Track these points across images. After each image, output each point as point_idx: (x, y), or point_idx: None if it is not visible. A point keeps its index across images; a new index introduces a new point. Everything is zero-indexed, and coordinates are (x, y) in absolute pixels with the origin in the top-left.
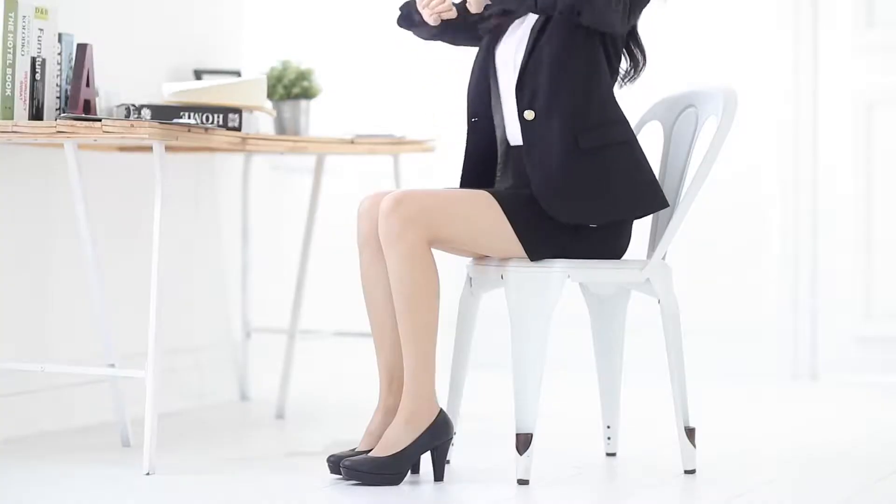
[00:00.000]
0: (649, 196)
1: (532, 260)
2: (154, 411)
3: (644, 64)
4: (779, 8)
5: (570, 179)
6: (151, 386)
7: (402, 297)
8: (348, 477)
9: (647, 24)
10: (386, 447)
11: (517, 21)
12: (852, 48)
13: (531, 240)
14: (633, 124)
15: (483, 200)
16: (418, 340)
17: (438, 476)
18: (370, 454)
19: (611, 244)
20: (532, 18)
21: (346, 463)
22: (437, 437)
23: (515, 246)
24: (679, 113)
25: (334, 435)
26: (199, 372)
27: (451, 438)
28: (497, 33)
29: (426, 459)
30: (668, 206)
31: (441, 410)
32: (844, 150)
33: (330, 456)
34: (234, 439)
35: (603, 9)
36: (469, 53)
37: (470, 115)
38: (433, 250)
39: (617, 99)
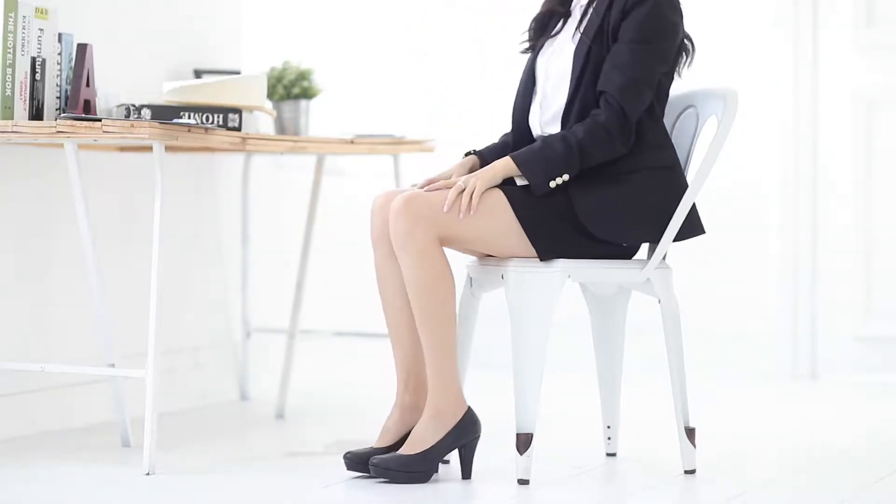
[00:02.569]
0: (687, 225)
1: (542, 260)
2: (154, 411)
3: (694, 50)
4: (778, 8)
5: (611, 200)
6: (151, 386)
7: (417, 296)
8: (377, 475)
9: None
10: (414, 445)
11: (559, 43)
12: (852, 48)
13: (541, 239)
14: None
15: (494, 199)
16: (437, 338)
17: (466, 474)
18: (398, 452)
19: (622, 248)
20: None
21: (375, 461)
22: (465, 434)
23: (525, 245)
24: (679, 113)
25: (334, 435)
26: (199, 372)
27: (479, 436)
28: (537, 52)
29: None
30: (703, 232)
31: (469, 408)
32: (844, 149)
33: (347, 453)
34: (234, 439)
35: (615, 133)
36: (470, 59)
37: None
38: (446, 249)
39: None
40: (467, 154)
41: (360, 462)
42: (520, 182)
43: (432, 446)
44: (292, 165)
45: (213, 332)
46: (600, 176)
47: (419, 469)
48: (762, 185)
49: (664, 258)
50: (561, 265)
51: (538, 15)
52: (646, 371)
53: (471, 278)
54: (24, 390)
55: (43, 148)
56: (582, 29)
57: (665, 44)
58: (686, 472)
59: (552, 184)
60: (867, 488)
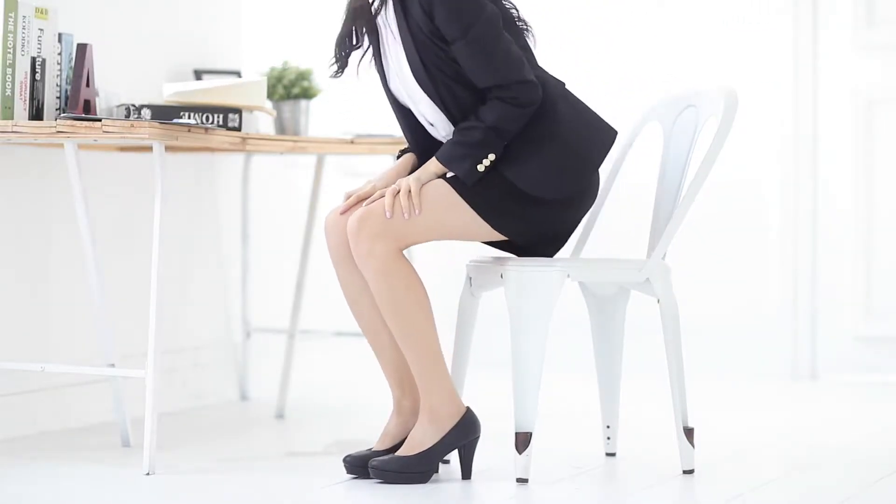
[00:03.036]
0: (598, 135)
1: (502, 234)
2: (154, 411)
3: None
4: (779, 8)
5: (546, 159)
6: (151, 386)
7: (391, 314)
8: (375, 476)
9: (648, 25)
10: (412, 446)
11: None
12: (852, 48)
13: (495, 216)
14: (632, 124)
15: (440, 192)
16: (420, 348)
17: (466, 474)
18: (397, 453)
19: (576, 204)
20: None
21: (374, 463)
22: (464, 435)
23: (484, 228)
24: (679, 113)
25: (334, 435)
26: (199, 372)
27: (479, 436)
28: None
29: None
30: (615, 132)
31: (468, 409)
32: (844, 149)
33: (346, 456)
34: (234, 439)
35: (523, 102)
36: None
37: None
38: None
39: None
40: (400, 154)
41: (359, 465)
42: (440, 170)
43: (431, 447)
44: (291, 165)
45: (213, 332)
46: (523, 143)
47: (418, 470)
48: (762, 185)
49: (663, 257)
50: (561, 265)
51: (339, 38)
52: (645, 371)
53: (470, 278)
54: (24, 390)
55: (43, 148)
56: (401, 41)
57: (483, 15)
58: (685, 472)
59: (480, 167)
60: (867, 488)
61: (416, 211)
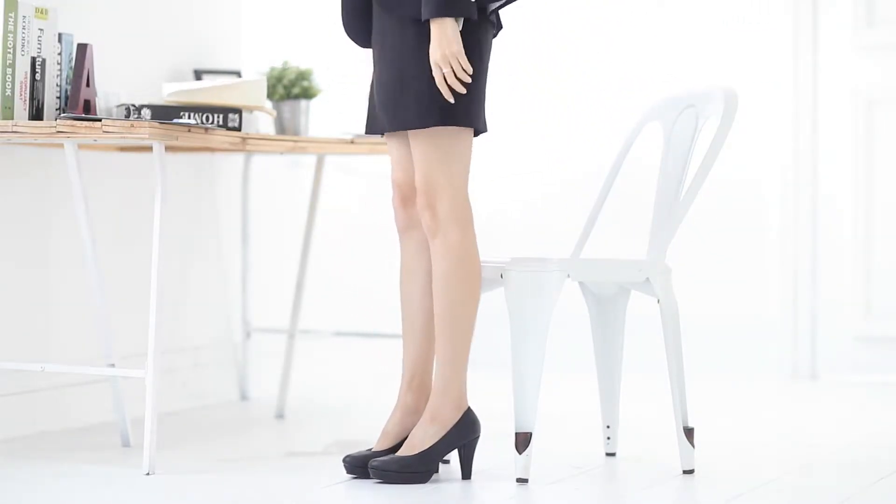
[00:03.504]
0: None
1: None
2: (154, 411)
3: None
4: (779, 8)
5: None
6: (151, 386)
7: (446, 289)
8: (375, 477)
9: (647, 25)
10: (412, 446)
11: None
12: (852, 48)
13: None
14: (632, 124)
15: (446, 143)
16: (459, 327)
17: (466, 474)
18: (397, 454)
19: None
20: None
21: (374, 463)
22: (464, 435)
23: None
24: (679, 113)
25: (334, 435)
26: (199, 372)
27: (479, 436)
28: None
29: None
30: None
31: (468, 409)
32: (844, 149)
33: (346, 457)
34: (234, 439)
35: None
36: None
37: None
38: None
39: None
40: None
41: (359, 465)
42: (459, 24)
43: (430, 447)
44: (291, 164)
45: (213, 332)
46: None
47: (418, 470)
48: (762, 185)
49: (664, 257)
50: (561, 265)
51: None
52: (645, 371)
53: None
54: (24, 390)
55: (43, 148)
56: None
57: None
58: (685, 471)
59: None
60: (867, 488)
61: (469, 70)
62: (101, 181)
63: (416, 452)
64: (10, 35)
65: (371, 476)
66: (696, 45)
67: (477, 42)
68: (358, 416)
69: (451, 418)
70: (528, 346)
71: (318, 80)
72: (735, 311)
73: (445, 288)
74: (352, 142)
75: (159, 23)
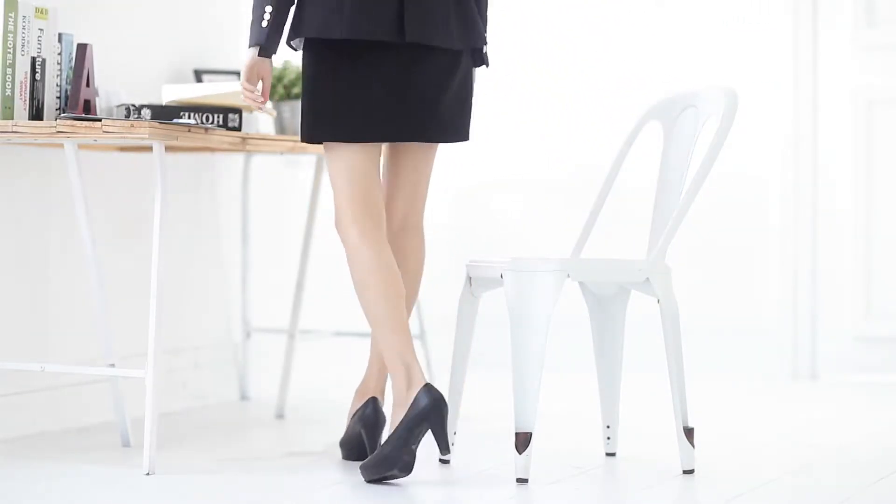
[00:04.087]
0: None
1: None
2: (154, 411)
3: None
4: (779, 8)
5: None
6: (151, 386)
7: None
8: (365, 477)
9: (647, 25)
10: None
11: None
12: (852, 48)
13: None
14: (632, 124)
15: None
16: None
17: (443, 449)
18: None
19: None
20: None
21: (361, 465)
22: (420, 413)
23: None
24: (679, 113)
25: (334, 435)
26: (199, 372)
27: (440, 410)
28: None
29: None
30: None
31: (422, 388)
32: (844, 149)
33: (340, 441)
34: (234, 439)
35: None
36: None
37: None
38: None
39: None
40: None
41: (354, 445)
42: (252, 51)
43: (394, 432)
44: (291, 164)
45: (213, 332)
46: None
47: (389, 455)
48: (762, 185)
49: (664, 257)
50: (561, 265)
51: None
52: (645, 371)
53: (470, 278)
54: (24, 390)
55: (43, 148)
56: None
57: None
58: (685, 472)
59: (263, 23)
60: (867, 488)
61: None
62: (101, 181)
63: (384, 443)
64: (10, 35)
65: (365, 480)
66: (696, 45)
67: (309, 63)
68: None
69: (404, 401)
70: (528, 347)
71: None
72: (735, 311)
73: (416, 281)
74: None
75: (159, 23)
